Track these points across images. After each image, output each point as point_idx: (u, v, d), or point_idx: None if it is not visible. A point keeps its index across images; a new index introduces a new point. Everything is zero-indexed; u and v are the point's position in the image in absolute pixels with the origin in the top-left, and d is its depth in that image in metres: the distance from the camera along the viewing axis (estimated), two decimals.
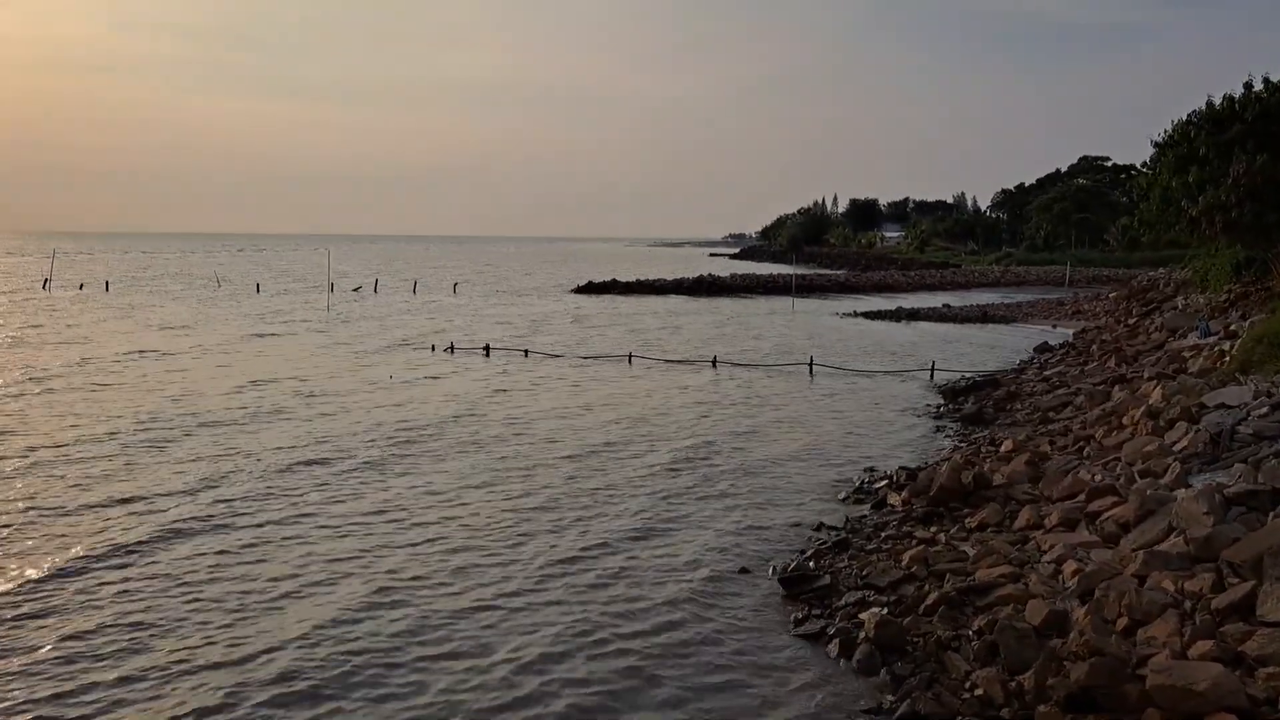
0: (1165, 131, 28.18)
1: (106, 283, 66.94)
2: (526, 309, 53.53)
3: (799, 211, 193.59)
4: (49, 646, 9.17)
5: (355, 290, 66.19)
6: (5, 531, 12.46)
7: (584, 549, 12.22)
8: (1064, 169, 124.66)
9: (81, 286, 64.32)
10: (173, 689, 8.43)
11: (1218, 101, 24.99)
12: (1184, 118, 25.93)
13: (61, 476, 15.28)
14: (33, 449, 17.00)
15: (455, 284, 74.43)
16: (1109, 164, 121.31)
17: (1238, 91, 25.23)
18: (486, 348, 33.04)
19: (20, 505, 13.63)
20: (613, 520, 13.46)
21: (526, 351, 32.37)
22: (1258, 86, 24.21)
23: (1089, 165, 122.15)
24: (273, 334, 38.24)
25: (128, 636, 9.45)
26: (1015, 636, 8.30)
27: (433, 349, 33.20)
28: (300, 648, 9.23)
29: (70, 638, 9.41)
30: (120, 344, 33.32)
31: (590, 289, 68.77)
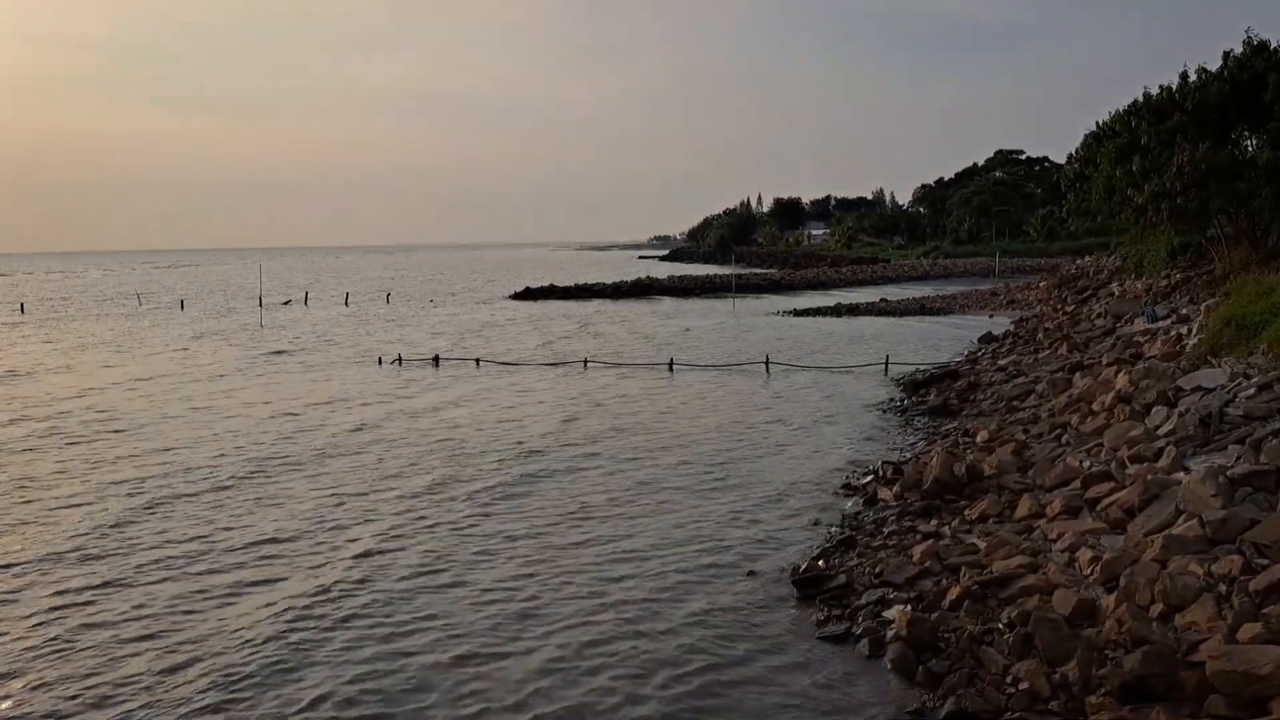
0: (1100, 122, 28.92)
1: (21, 305, 64.27)
2: (469, 317, 52.80)
3: (725, 212, 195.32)
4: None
5: (285, 304, 64.64)
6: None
7: (574, 563, 11.87)
8: (980, 163, 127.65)
9: None
10: None
11: (1154, 92, 25.75)
12: (1122, 108, 26.69)
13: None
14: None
15: (388, 294, 73.15)
16: (1023, 157, 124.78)
17: (1159, 83, 26.11)
18: (435, 357, 32.43)
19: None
20: (599, 529, 13.15)
21: (478, 360, 31.83)
22: (1193, 78, 25.01)
23: (1004, 159, 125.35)
24: (276, 357, 37.05)
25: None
26: (1050, 628, 8.25)
27: (380, 361, 32.47)
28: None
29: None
30: (77, 376, 31.98)
31: (528, 294, 68.19)
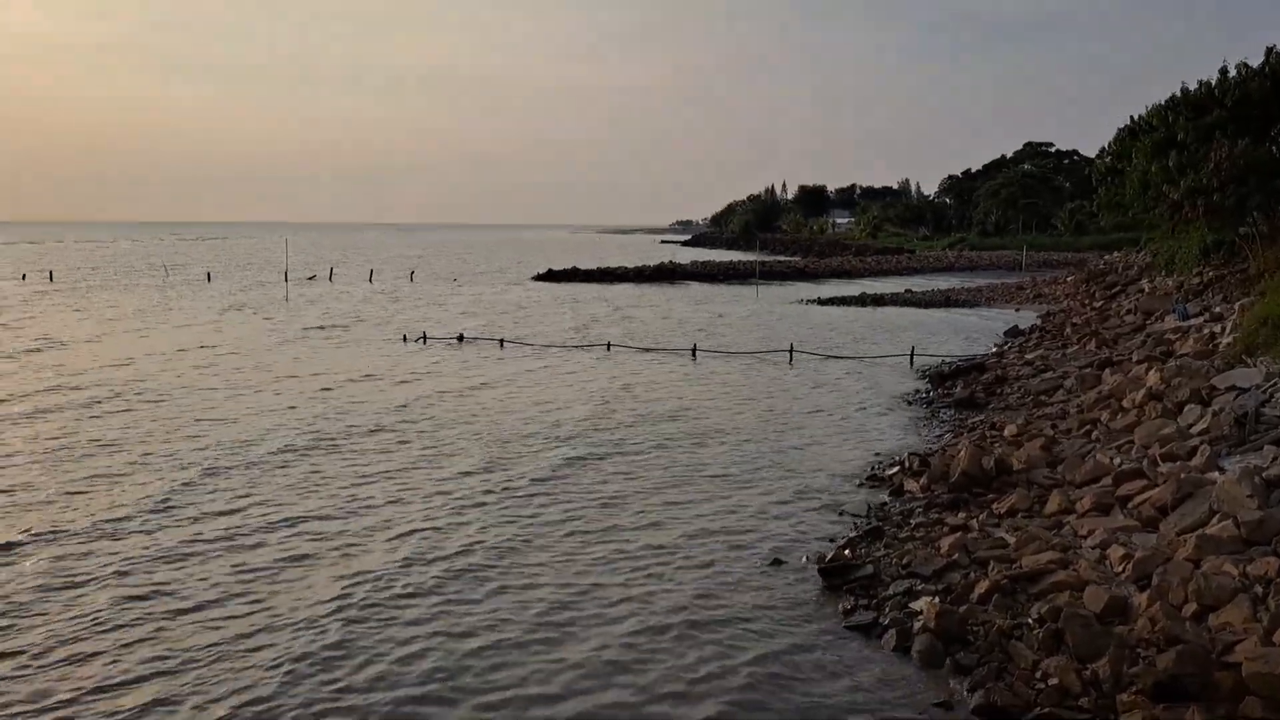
0: (1136, 116, 28.55)
1: (50, 273, 64.94)
2: (493, 297, 52.89)
3: (749, 198, 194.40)
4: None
5: (309, 279, 64.97)
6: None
7: (604, 551, 11.83)
8: (1009, 155, 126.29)
9: (24, 277, 62.40)
10: None
11: (1193, 87, 25.38)
12: (1161, 102, 26.32)
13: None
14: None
15: (412, 272, 73.33)
16: (1052, 150, 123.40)
17: (1197, 78, 25.71)
18: (460, 336, 32.53)
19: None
20: (628, 517, 13.09)
21: (502, 341, 31.90)
22: (1233, 73, 24.63)
23: (1034, 151, 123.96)
24: (324, 332, 37.28)
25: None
26: (1082, 624, 8.23)
27: (405, 338, 32.62)
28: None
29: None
30: (111, 347, 32.33)
31: (551, 276, 68.20)
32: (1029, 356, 25.20)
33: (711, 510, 13.39)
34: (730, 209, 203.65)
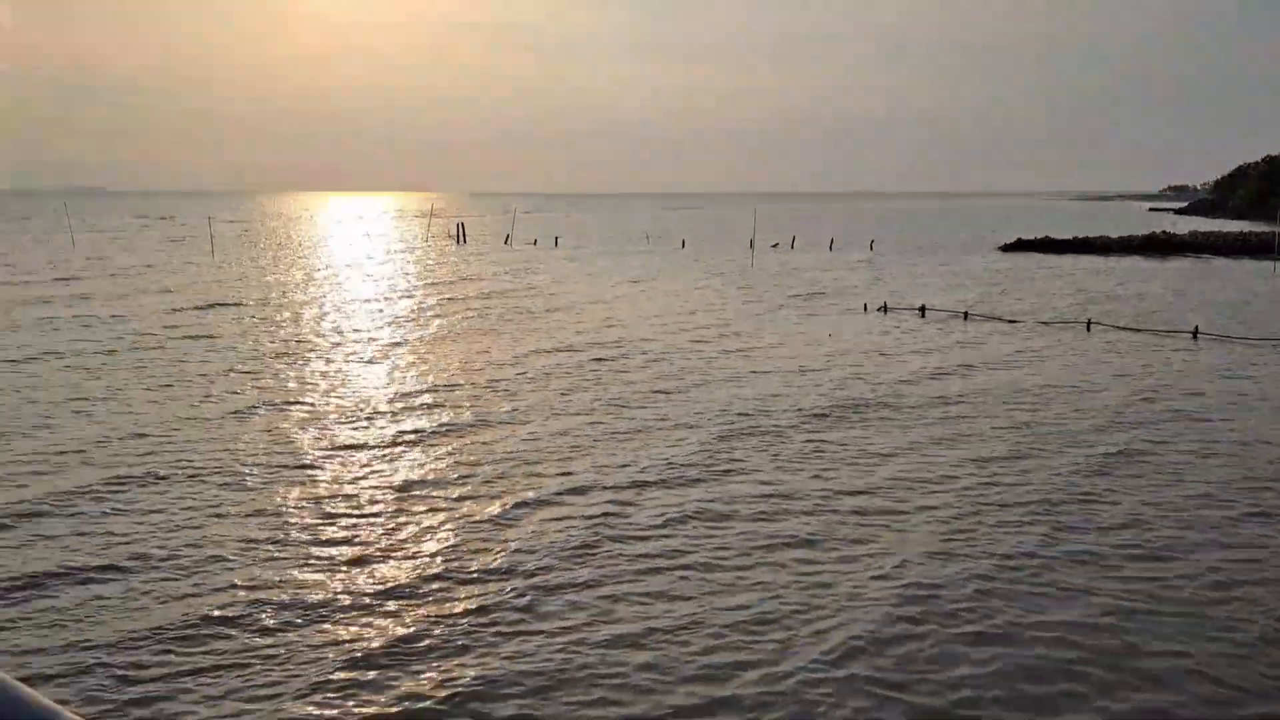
0: None
1: (556, 239, 74.17)
2: (958, 268, 51.05)
3: (1264, 160, 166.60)
4: None
5: (773, 246, 67.40)
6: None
7: (1126, 580, 10.71)
8: None
9: (535, 241, 71.89)
10: None
11: None
12: None
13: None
14: None
15: (871, 241, 73.05)
16: None
17: None
18: (922, 309, 31.84)
19: None
20: (1148, 534, 11.80)
21: (966, 314, 30.72)
22: None
23: None
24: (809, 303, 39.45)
25: None
26: None
27: (865, 308, 32.64)
28: None
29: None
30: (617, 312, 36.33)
31: (1020, 246, 64.22)
32: None
33: (1217, 542, 11.41)
34: (1240, 172, 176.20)
